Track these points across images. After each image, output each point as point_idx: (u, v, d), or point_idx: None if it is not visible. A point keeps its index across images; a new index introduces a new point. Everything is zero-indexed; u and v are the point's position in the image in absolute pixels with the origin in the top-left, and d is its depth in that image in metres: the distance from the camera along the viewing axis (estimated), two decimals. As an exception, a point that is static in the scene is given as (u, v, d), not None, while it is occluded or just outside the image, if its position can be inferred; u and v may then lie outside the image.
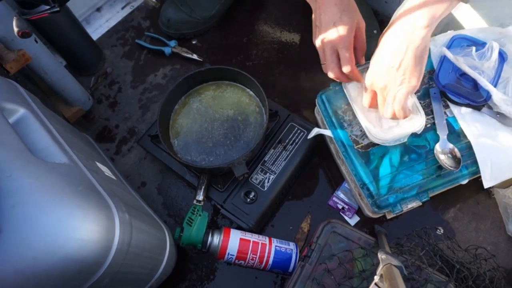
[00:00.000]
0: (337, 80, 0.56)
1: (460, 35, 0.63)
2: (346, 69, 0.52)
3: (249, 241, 0.59)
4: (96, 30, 0.90)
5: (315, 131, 0.63)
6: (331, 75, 0.54)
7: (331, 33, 0.50)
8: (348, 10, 0.50)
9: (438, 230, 0.65)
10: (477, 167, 0.57)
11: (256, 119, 0.65)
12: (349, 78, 0.55)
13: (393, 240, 0.59)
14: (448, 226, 0.65)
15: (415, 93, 0.56)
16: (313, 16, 0.53)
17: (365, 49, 0.54)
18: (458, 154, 0.57)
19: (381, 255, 0.48)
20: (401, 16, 0.45)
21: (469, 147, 0.58)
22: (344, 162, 0.60)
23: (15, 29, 0.44)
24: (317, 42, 0.53)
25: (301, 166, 0.66)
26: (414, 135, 0.58)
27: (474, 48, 0.60)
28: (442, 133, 0.58)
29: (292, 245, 0.61)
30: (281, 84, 0.80)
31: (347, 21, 0.49)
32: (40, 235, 0.32)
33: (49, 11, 0.46)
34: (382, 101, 0.51)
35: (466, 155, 0.58)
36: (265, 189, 0.62)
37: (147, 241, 0.48)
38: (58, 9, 0.47)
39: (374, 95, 0.52)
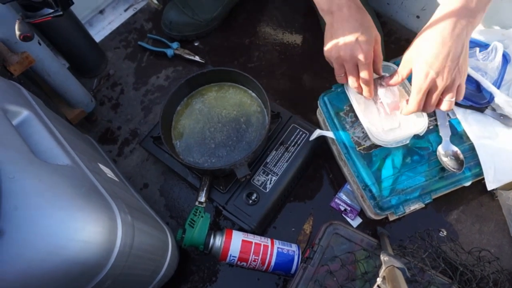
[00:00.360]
0: (358, 92, 0.56)
1: (463, 36, 0.63)
2: (365, 78, 0.52)
3: (251, 242, 0.59)
4: (99, 32, 0.90)
5: (317, 132, 0.62)
6: (353, 84, 0.54)
7: (352, 48, 0.50)
8: (367, 24, 0.50)
9: (441, 232, 0.64)
10: (480, 169, 0.57)
11: (258, 121, 0.65)
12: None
13: (395, 242, 0.59)
14: (451, 228, 0.65)
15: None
16: (327, 29, 0.52)
17: (381, 60, 0.54)
18: (461, 156, 0.57)
19: (383, 257, 0.47)
20: (456, 13, 0.44)
21: (472, 149, 0.57)
22: (346, 163, 0.60)
23: (17, 33, 0.44)
24: (334, 55, 0.52)
25: (303, 167, 0.66)
26: (416, 136, 0.58)
27: (477, 49, 0.60)
28: (445, 135, 0.58)
29: (294, 247, 0.61)
30: (283, 86, 0.80)
31: (367, 36, 0.49)
32: (42, 237, 0.32)
33: (52, 15, 0.47)
34: (436, 100, 0.50)
35: (469, 157, 0.57)
36: (267, 190, 0.62)
37: (149, 243, 0.48)
38: (61, 13, 0.47)
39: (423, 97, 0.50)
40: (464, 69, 0.48)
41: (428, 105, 0.51)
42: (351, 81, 0.54)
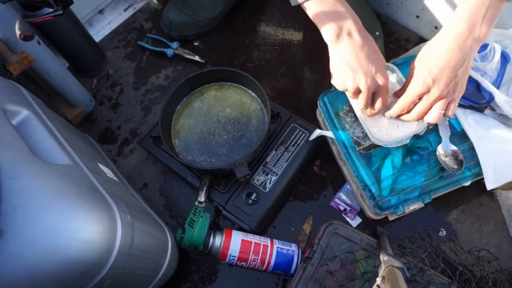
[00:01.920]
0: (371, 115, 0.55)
1: (462, 36, 0.63)
2: (381, 108, 0.52)
3: (251, 242, 0.59)
4: (99, 32, 0.90)
5: (317, 132, 0.62)
6: (365, 106, 0.53)
7: (374, 80, 0.49)
8: (377, 49, 0.49)
9: (440, 232, 0.64)
10: (480, 168, 0.57)
11: (258, 121, 0.65)
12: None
13: (395, 241, 0.59)
14: (450, 228, 0.65)
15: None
16: (336, 57, 0.50)
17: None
18: (461, 156, 0.57)
19: (383, 257, 0.47)
20: (459, 26, 0.45)
21: (471, 148, 0.57)
22: (346, 163, 0.60)
23: (17, 32, 0.44)
24: (351, 86, 0.50)
25: (302, 167, 0.66)
26: (416, 136, 0.58)
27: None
28: (445, 135, 0.58)
29: (294, 247, 0.61)
30: (282, 86, 0.80)
31: (384, 66, 0.50)
32: (42, 237, 0.32)
33: (52, 14, 0.47)
34: (426, 108, 0.50)
35: (469, 156, 0.57)
36: (267, 190, 0.62)
37: (149, 243, 0.48)
38: (61, 12, 0.47)
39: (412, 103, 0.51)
40: (461, 86, 0.48)
41: (415, 111, 0.51)
42: (364, 104, 0.52)
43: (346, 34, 0.47)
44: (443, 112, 0.49)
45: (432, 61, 0.47)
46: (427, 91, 0.48)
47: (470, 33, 0.44)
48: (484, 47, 0.60)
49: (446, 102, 0.49)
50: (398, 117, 0.54)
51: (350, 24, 0.47)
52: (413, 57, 0.51)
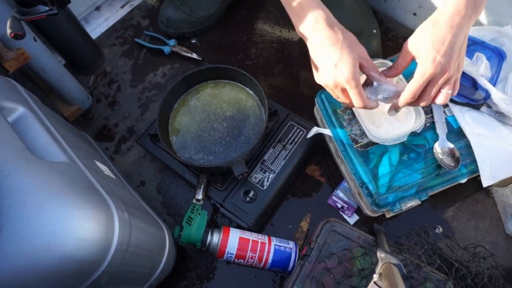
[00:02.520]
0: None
1: (459, 34, 0.63)
2: (358, 104, 0.49)
3: (249, 240, 0.59)
4: (95, 29, 0.90)
5: (315, 130, 0.63)
6: (348, 105, 0.52)
7: (335, 75, 0.47)
8: (346, 45, 0.46)
9: (437, 229, 0.65)
10: (476, 166, 0.57)
11: (256, 118, 0.65)
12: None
13: (392, 239, 0.59)
14: (447, 225, 0.65)
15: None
16: (310, 54, 0.49)
17: (377, 69, 0.50)
18: (457, 153, 0.57)
19: (380, 254, 0.48)
20: (458, 2, 0.43)
21: (468, 146, 0.58)
22: (343, 161, 0.60)
23: (8, 31, 0.44)
24: (321, 83, 0.50)
25: (300, 165, 0.66)
26: (413, 134, 0.58)
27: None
28: (441, 132, 0.58)
29: (291, 244, 0.61)
30: (280, 83, 0.80)
31: (347, 59, 0.46)
32: (38, 235, 0.32)
33: (46, 13, 0.47)
34: (436, 90, 0.47)
35: (465, 154, 0.58)
36: (265, 188, 0.62)
37: (147, 240, 0.48)
38: (56, 11, 0.47)
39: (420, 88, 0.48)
40: (462, 63, 0.47)
41: (426, 95, 0.48)
42: (346, 104, 0.51)
43: (310, 30, 0.47)
44: (451, 91, 0.47)
45: (437, 37, 0.44)
46: (438, 71, 0.45)
47: (470, 9, 0.43)
48: (481, 43, 0.61)
49: (453, 81, 0.46)
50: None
51: (316, 18, 0.46)
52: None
